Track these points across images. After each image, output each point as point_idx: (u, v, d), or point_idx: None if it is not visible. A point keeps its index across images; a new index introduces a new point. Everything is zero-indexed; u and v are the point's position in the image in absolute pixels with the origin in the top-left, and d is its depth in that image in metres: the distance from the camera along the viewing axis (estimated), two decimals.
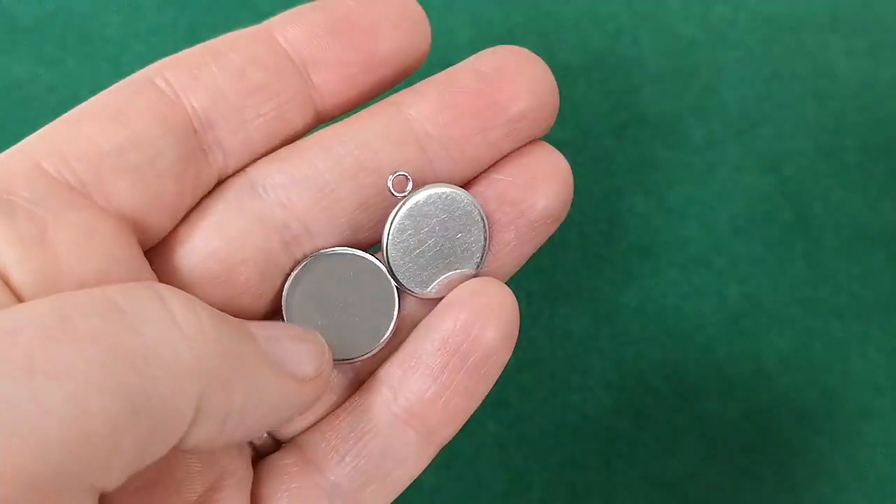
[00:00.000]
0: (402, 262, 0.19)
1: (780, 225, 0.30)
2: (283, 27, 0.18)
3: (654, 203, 0.30)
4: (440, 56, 0.32)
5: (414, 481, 0.26)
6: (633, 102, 0.32)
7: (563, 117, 0.31)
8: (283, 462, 0.18)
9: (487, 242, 0.19)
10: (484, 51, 0.19)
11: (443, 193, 0.18)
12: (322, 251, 0.18)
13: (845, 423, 0.27)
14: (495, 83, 0.18)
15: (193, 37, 0.32)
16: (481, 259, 0.19)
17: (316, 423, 0.19)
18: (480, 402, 0.18)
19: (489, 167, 0.19)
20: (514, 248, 0.19)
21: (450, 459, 0.26)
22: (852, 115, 0.32)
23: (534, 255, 0.29)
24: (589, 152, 0.31)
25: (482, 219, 0.18)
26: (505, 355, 0.18)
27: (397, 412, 0.18)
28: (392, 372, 0.18)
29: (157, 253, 0.18)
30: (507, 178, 0.19)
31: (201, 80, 0.17)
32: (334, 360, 0.18)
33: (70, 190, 0.16)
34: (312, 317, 0.19)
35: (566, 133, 0.31)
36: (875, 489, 0.26)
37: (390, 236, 0.18)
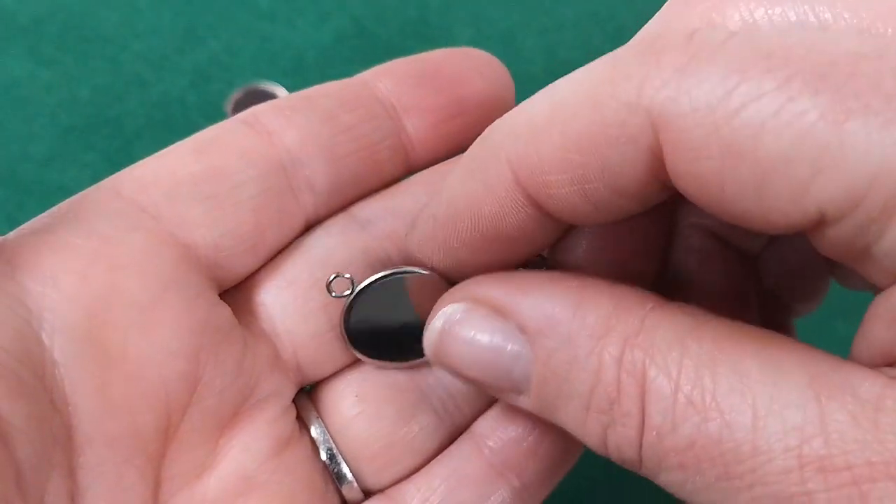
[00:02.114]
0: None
1: None
2: (374, 77, 0.19)
3: None
4: None
5: None
6: None
7: None
8: None
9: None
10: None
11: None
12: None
13: None
14: None
15: (191, 36, 0.32)
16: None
17: (408, 476, 0.18)
18: (575, 461, 0.18)
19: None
20: None
21: None
22: None
23: None
24: None
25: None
26: None
27: (492, 461, 0.17)
28: (486, 424, 0.17)
29: (250, 284, 0.17)
30: None
31: (292, 120, 0.17)
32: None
33: (140, 213, 0.16)
34: None
35: None
36: None
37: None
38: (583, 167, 0.12)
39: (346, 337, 0.18)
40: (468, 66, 0.19)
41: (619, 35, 0.33)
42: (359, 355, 0.18)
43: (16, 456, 0.13)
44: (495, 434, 0.17)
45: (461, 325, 0.14)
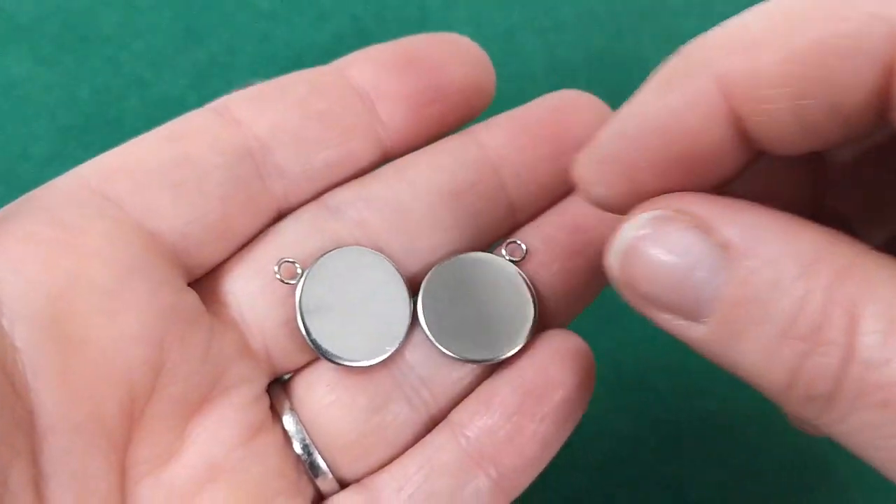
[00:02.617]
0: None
1: None
2: (349, 64, 0.19)
3: None
4: None
5: None
6: None
7: None
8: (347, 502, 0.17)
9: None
10: (550, 93, 0.20)
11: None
12: (460, 256, 0.18)
13: None
14: (565, 113, 0.19)
15: (191, 36, 0.32)
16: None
17: (385, 466, 0.18)
18: (555, 452, 0.18)
19: (564, 195, 0.19)
20: (589, 276, 0.19)
21: None
22: None
23: None
24: None
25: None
26: (582, 405, 0.18)
27: (469, 451, 0.17)
28: (466, 413, 0.17)
29: (219, 272, 0.17)
30: (579, 207, 0.19)
31: (263, 108, 0.17)
32: (476, 360, 0.18)
33: (104, 201, 0.16)
34: (444, 316, 0.18)
35: None
36: (877, 490, 0.26)
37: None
38: (806, 80, 0.12)
39: (303, 328, 0.17)
40: (447, 52, 0.19)
41: (619, 35, 0.33)
42: (312, 347, 0.17)
43: None
44: (473, 423, 0.17)
45: (655, 237, 0.13)
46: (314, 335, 0.17)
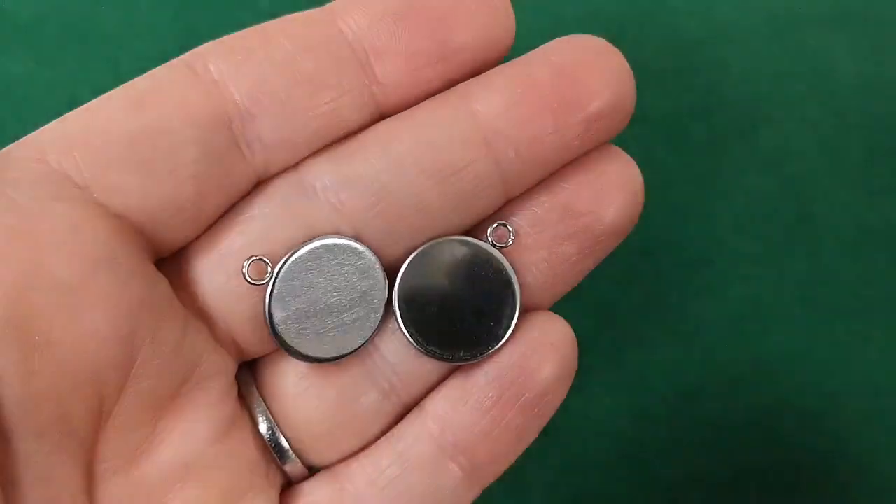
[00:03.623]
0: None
1: (782, 224, 0.30)
2: (345, 11, 0.16)
3: (656, 203, 0.30)
4: None
5: None
6: (636, 102, 0.32)
7: None
8: (315, 492, 0.17)
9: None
10: (558, 39, 0.17)
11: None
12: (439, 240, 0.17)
13: (848, 423, 0.27)
14: (573, 77, 0.16)
15: (192, 35, 0.32)
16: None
17: (355, 453, 0.17)
18: (529, 443, 0.17)
19: (556, 172, 0.17)
20: (576, 262, 0.18)
21: None
22: (855, 114, 0.32)
23: None
24: None
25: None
26: (560, 395, 0.17)
27: (443, 445, 0.17)
28: (440, 403, 0.17)
29: (185, 257, 0.16)
30: (572, 186, 0.17)
31: (245, 66, 0.16)
32: (451, 359, 0.17)
33: (64, 180, 0.14)
34: (426, 308, 0.17)
35: None
36: (878, 489, 0.26)
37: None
38: None
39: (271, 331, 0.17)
40: (459, 2, 0.16)
41: (619, 34, 0.33)
42: (284, 349, 0.17)
43: None
44: (447, 415, 0.17)
45: None
46: (285, 338, 0.17)
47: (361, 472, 0.17)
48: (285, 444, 0.17)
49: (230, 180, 0.16)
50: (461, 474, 0.17)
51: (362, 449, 0.17)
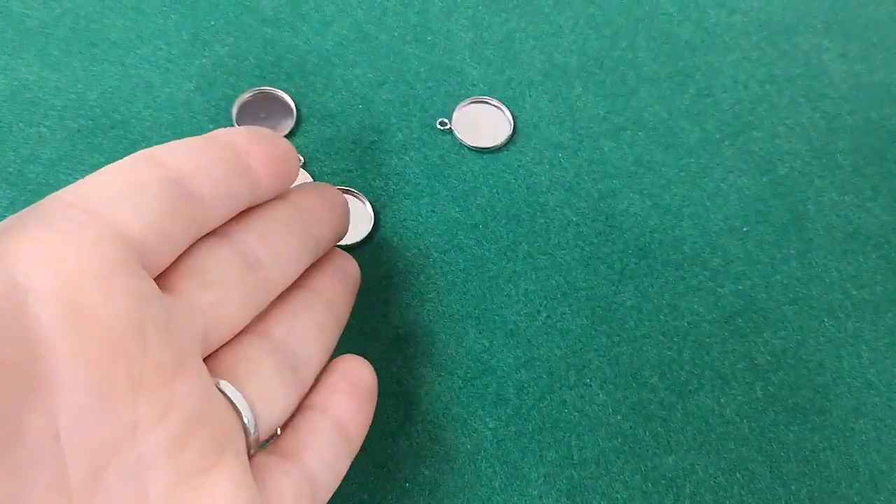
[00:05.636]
0: None
1: (773, 225, 0.30)
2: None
3: (650, 204, 0.30)
4: (441, 59, 0.32)
5: (413, 475, 0.26)
6: (630, 105, 0.32)
7: (560, 120, 0.32)
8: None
9: None
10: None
11: None
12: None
13: (838, 420, 0.27)
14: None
15: (197, 40, 0.32)
16: None
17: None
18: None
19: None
20: None
21: (449, 455, 0.26)
22: (845, 117, 0.33)
23: (532, 254, 0.29)
24: (586, 154, 0.31)
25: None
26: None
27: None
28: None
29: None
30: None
31: (181, 154, 0.21)
32: None
33: (85, 213, 0.19)
34: None
35: (564, 135, 0.31)
36: (867, 485, 0.26)
37: None
38: None
39: None
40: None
41: (615, 40, 0.34)
42: None
43: None
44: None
45: None
46: None
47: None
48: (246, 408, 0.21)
49: (186, 221, 0.20)
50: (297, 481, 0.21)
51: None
